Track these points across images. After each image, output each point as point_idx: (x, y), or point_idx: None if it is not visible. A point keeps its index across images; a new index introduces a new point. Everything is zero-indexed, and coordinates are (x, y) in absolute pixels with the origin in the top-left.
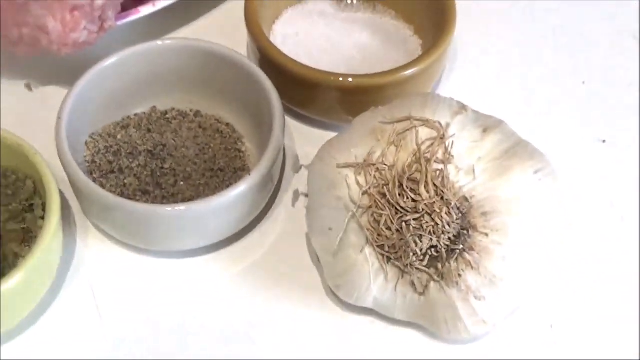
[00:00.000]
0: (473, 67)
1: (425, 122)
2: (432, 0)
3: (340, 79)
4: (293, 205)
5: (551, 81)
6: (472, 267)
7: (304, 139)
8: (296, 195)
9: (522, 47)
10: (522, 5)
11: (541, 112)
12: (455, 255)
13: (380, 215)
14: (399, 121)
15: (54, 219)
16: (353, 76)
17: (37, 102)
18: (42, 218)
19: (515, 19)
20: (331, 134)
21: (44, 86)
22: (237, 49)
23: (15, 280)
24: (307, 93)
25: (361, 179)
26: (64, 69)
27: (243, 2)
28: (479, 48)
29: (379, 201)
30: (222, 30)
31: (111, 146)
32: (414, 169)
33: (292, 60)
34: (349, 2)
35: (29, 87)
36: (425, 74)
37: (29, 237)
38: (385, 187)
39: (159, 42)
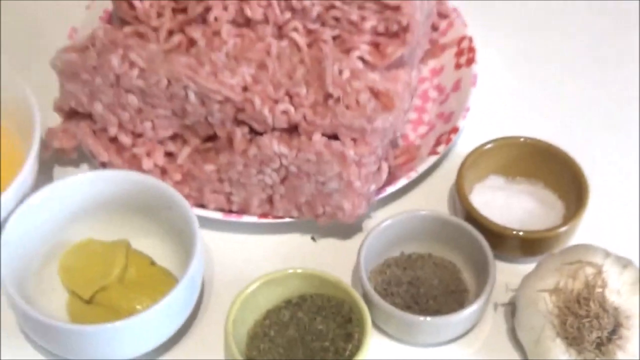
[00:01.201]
0: (604, 216)
1: (589, 264)
2: (570, 175)
3: (514, 232)
4: (495, 311)
5: None
6: (620, 349)
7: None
8: (495, 305)
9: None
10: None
11: None
12: (611, 342)
13: (566, 319)
14: (573, 264)
15: (368, 329)
16: (524, 231)
17: (318, 248)
18: (357, 325)
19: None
20: (511, 265)
21: (323, 238)
22: (440, 205)
23: None
24: (496, 240)
25: (553, 298)
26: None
27: (437, 178)
28: (607, 205)
29: (565, 311)
30: (428, 197)
31: (383, 279)
32: (585, 292)
33: (487, 219)
34: (514, 178)
35: (313, 239)
36: (571, 230)
37: (349, 338)
38: (568, 303)
39: (423, 212)
